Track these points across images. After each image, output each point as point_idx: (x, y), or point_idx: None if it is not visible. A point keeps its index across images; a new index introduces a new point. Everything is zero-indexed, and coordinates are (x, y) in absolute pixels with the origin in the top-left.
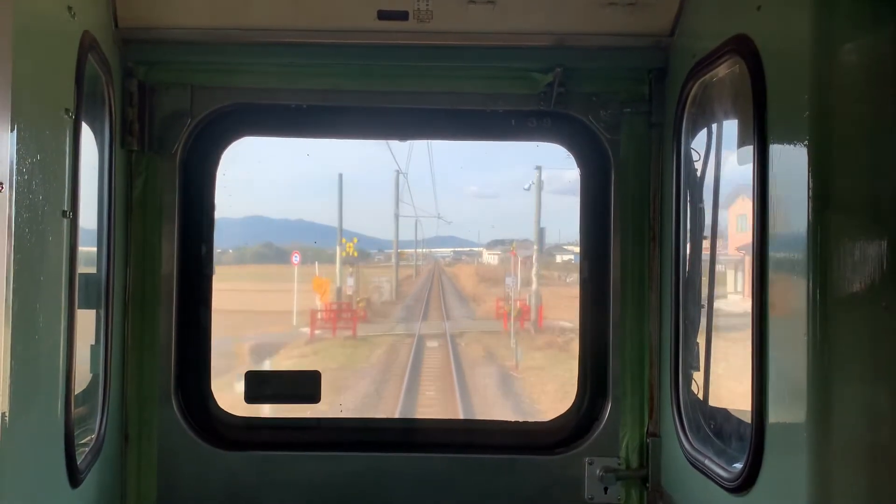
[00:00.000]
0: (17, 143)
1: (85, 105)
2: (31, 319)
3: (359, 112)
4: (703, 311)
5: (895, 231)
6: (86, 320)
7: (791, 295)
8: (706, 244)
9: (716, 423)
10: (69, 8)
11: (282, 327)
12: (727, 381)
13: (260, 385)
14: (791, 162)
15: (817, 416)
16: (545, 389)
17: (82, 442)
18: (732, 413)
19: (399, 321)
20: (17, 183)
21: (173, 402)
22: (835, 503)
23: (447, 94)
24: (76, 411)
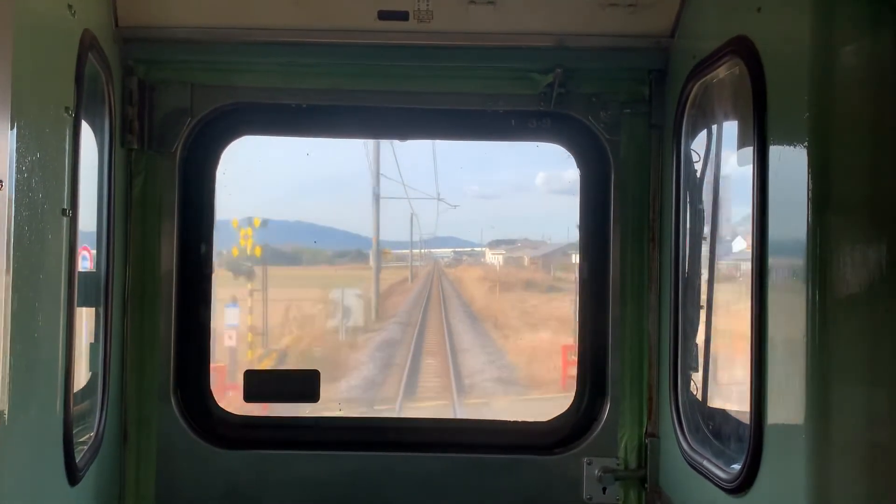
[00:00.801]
0: (17, 142)
1: (85, 103)
2: (31, 317)
3: (359, 112)
4: (703, 312)
5: (894, 233)
6: (85, 319)
7: (790, 296)
8: (705, 245)
9: (714, 424)
10: (69, 6)
11: None
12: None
13: (259, 384)
14: (791, 163)
15: (816, 417)
16: None
17: (81, 440)
18: (731, 414)
19: (351, 403)
20: (16, 181)
21: (172, 400)
22: None
23: (447, 95)
24: (75, 409)
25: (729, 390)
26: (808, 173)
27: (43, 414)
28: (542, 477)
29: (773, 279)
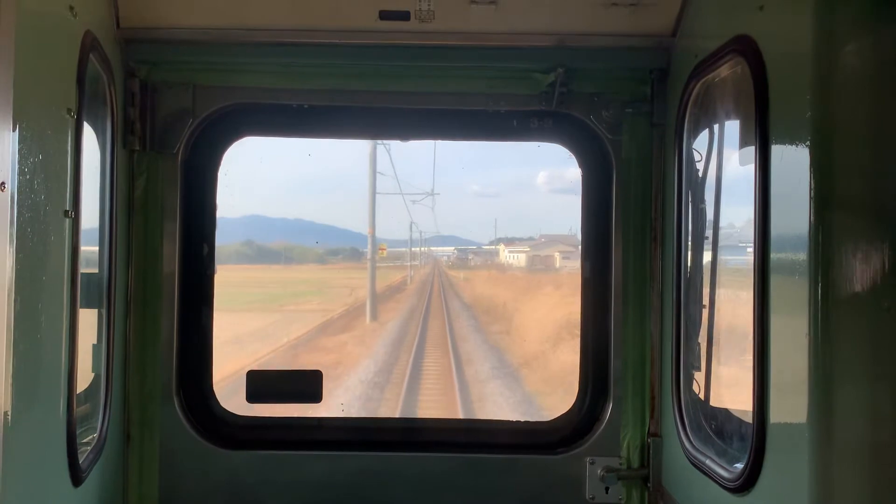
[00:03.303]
0: (19, 143)
1: (87, 105)
2: (34, 319)
3: (360, 112)
4: (705, 312)
5: None
6: (88, 320)
7: (792, 295)
8: (707, 244)
9: (717, 423)
10: (71, 7)
11: None
12: None
13: (262, 384)
14: (793, 162)
15: (819, 416)
16: None
17: (84, 441)
18: (733, 413)
19: None
20: (18, 183)
21: (175, 401)
22: None
23: (449, 95)
24: (78, 410)
25: (731, 389)
26: (811, 172)
27: (46, 415)
28: (545, 476)
29: (776, 278)
